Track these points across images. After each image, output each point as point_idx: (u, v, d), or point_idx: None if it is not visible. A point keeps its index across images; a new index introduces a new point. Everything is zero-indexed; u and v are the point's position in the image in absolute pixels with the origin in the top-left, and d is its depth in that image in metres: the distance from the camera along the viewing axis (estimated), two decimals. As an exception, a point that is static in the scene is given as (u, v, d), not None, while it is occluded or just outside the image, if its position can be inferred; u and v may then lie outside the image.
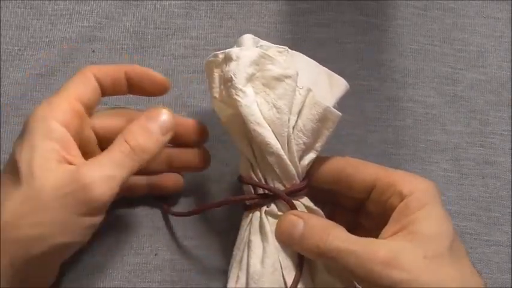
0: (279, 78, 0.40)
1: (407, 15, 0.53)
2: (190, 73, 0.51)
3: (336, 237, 0.38)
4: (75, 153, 0.39)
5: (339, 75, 0.44)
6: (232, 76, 0.39)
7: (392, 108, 0.51)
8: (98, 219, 0.38)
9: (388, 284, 0.36)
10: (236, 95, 0.39)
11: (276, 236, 0.41)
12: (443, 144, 0.51)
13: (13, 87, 0.49)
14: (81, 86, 0.41)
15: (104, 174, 0.37)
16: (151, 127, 0.40)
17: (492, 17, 0.54)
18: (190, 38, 0.51)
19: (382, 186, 0.40)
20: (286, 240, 0.40)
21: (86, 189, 0.37)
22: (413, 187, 0.39)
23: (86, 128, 0.42)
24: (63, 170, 0.37)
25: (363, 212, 0.43)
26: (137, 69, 0.43)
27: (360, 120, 0.50)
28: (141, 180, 0.46)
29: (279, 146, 0.40)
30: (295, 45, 0.51)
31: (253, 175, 0.41)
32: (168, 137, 0.40)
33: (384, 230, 0.39)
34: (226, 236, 0.47)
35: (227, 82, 0.40)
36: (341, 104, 0.43)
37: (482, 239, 0.50)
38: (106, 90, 0.42)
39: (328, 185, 0.43)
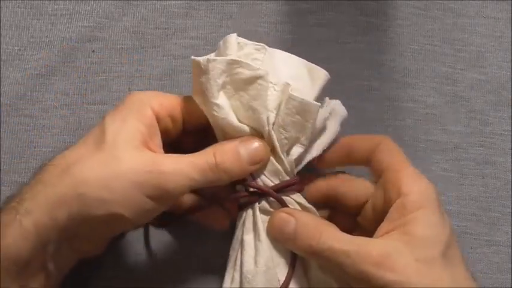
0: (250, 80, 0.40)
1: (407, 15, 0.53)
2: (190, 73, 0.50)
3: (328, 236, 0.38)
4: (157, 143, 0.41)
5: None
6: (205, 91, 0.40)
7: (392, 108, 0.51)
8: (158, 209, 0.39)
9: (381, 285, 0.36)
10: (213, 110, 0.40)
11: (267, 233, 0.41)
12: (443, 144, 0.51)
13: (13, 87, 0.49)
14: (192, 104, 0.42)
15: (183, 171, 0.38)
16: (242, 153, 0.40)
17: (492, 17, 0.54)
18: (190, 38, 0.52)
19: (387, 179, 0.40)
20: (278, 238, 0.40)
21: (162, 175, 0.38)
22: (412, 187, 0.39)
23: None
24: (146, 152, 0.39)
25: (364, 214, 0.43)
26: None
27: (360, 120, 0.50)
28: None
29: None
30: (295, 45, 0.51)
31: None
32: (254, 168, 0.41)
33: (379, 228, 0.39)
34: (225, 235, 0.47)
35: (201, 93, 0.40)
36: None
37: (482, 239, 0.50)
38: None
39: (321, 202, 0.44)
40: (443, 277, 0.36)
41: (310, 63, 0.43)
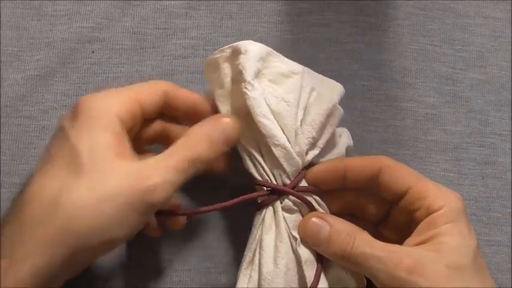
0: (287, 75, 0.41)
1: (407, 15, 0.53)
2: (190, 73, 0.51)
3: (361, 242, 0.38)
4: (128, 149, 0.40)
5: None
6: (242, 69, 0.40)
7: (392, 108, 0.51)
8: (149, 219, 0.39)
9: None
10: (245, 88, 0.40)
11: (300, 237, 0.40)
12: (443, 144, 0.51)
13: (13, 88, 0.49)
14: (146, 91, 0.42)
15: (166, 179, 0.38)
16: (215, 137, 0.40)
17: (492, 17, 0.54)
18: (190, 38, 0.51)
19: (412, 196, 0.40)
20: (310, 242, 0.40)
21: (149, 191, 0.37)
22: (443, 203, 0.39)
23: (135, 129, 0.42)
24: (124, 165, 0.38)
25: (386, 223, 0.43)
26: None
27: (360, 120, 0.50)
28: None
29: (285, 138, 0.41)
30: (295, 45, 0.51)
31: (261, 171, 0.41)
32: (229, 147, 0.40)
33: (407, 240, 0.39)
34: (226, 235, 0.47)
35: (238, 75, 0.41)
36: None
37: (482, 239, 0.50)
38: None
39: (341, 211, 0.43)
40: (474, 283, 0.37)
41: (321, 75, 0.44)
